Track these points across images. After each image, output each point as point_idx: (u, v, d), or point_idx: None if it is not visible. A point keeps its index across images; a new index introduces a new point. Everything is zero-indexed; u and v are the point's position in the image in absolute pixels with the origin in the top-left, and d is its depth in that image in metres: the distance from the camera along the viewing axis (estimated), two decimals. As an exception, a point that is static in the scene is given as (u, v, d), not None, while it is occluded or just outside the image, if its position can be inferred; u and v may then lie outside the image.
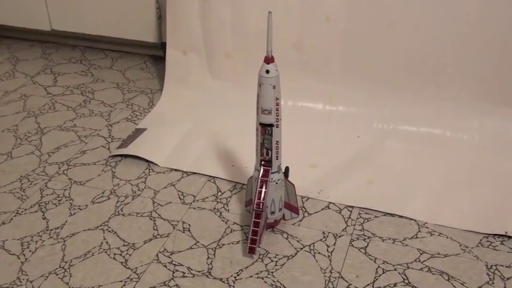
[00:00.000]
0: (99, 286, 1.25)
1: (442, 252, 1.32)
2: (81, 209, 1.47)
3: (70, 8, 2.15)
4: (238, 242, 1.36)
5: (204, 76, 1.91)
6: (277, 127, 1.27)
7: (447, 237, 1.36)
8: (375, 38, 1.70)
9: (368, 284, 1.24)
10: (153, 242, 1.36)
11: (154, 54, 2.21)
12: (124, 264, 1.31)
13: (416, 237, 1.37)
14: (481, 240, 1.36)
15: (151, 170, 1.61)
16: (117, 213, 1.46)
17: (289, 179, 1.37)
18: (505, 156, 1.59)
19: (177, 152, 1.66)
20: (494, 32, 1.61)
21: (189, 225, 1.41)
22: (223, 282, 1.25)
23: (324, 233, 1.38)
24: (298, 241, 1.36)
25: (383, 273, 1.27)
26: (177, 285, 1.25)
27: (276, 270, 1.28)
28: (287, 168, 1.38)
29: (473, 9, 1.60)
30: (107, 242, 1.37)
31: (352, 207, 1.46)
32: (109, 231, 1.40)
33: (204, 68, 1.91)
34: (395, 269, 1.28)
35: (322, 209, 1.46)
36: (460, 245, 1.34)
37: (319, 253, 1.32)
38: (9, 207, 1.48)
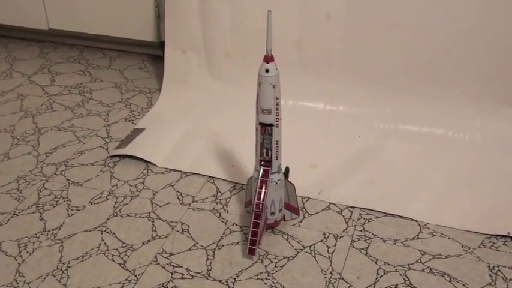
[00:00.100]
0: (97, 288, 1.26)
1: (444, 253, 1.32)
2: (78, 210, 1.47)
3: (68, 6, 2.15)
4: (237, 243, 1.36)
5: (203, 75, 1.91)
6: (277, 127, 1.27)
7: (449, 238, 1.36)
8: (376, 37, 1.71)
9: (369, 285, 1.24)
10: (152, 243, 1.37)
11: (153, 54, 2.22)
12: (122, 265, 1.31)
13: (418, 238, 1.37)
14: (483, 241, 1.36)
15: (150, 171, 1.61)
16: (115, 214, 1.46)
17: (289, 179, 1.37)
18: (507, 156, 1.59)
19: (176, 152, 1.66)
20: (496, 31, 1.61)
21: (188, 226, 1.42)
22: (222, 283, 1.25)
23: (324, 233, 1.39)
24: (298, 242, 1.36)
25: (384, 274, 1.27)
26: (176, 286, 1.25)
27: (276, 271, 1.28)
28: (287, 169, 1.38)
29: (474, 8, 1.61)
30: (105, 243, 1.37)
31: (353, 207, 1.46)
32: (107, 232, 1.40)
33: (203, 68, 1.91)
34: (396, 270, 1.28)
35: (323, 210, 1.46)
36: (462, 246, 1.34)
37: (319, 254, 1.33)
38: (6, 208, 1.48)
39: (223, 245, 1.36)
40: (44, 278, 1.28)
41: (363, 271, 1.28)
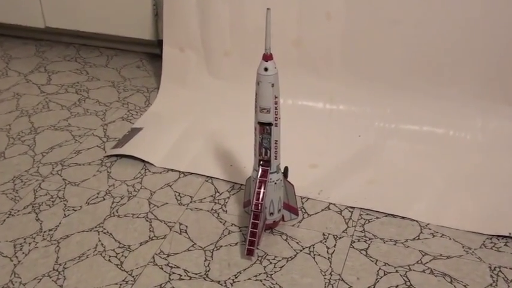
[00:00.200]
0: (94, 289, 1.26)
1: (445, 253, 1.32)
2: (75, 210, 1.47)
3: (64, 4, 2.15)
4: (236, 244, 1.36)
5: (201, 74, 1.91)
6: (276, 126, 1.27)
7: (450, 239, 1.37)
8: (376, 36, 1.71)
9: (369, 287, 1.24)
10: (149, 244, 1.37)
11: (150, 52, 2.22)
12: (119, 266, 1.31)
13: (419, 238, 1.37)
14: (484, 241, 1.36)
15: (147, 170, 1.61)
16: (112, 215, 1.46)
17: (289, 179, 1.38)
18: (508, 155, 1.59)
19: (173, 151, 1.67)
20: (497, 30, 1.61)
21: (186, 226, 1.42)
22: (220, 285, 1.25)
23: (324, 234, 1.39)
24: (297, 243, 1.36)
25: (384, 275, 1.27)
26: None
27: (275, 272, 1.28)
28: (286, 168, 1.38)
29: (475, 7, 1.61)
30: (102, 244, 1.37)
31: (353, 208, 1.46)
32: (104, 232, 1.40)
33: (201, 66, 1.91)
34: (396, 271, 1.28)
35: (322, 210, 1.46)
36: (463, 247, 1.34)
37: (319, 255, 1.33)
38: (1, 208, 1.48)
39: (221, 246, 1.36)
40: (40, 279, 1.28)
41: (363, 272, 1.28)
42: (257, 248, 1.33)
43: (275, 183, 1.32)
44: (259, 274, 1.28)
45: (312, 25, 1.75)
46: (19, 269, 1.31)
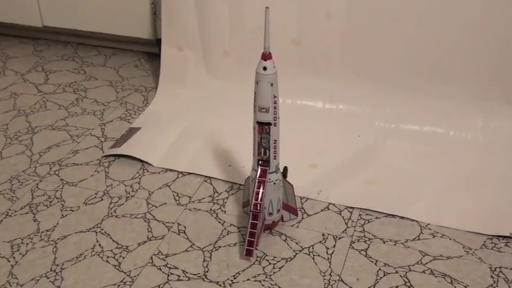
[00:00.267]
0: (92, 290, 1.26)
1: (445, 254, 1.33)
2: (73, 211, 1.48)
3: (62, 3, 2.15)
4: (235, 244, 1.36)
5: (200, 74, 1.91)
6: (275, 126, 1.27)
7: (450, 239, 1.37)
8: (376, 34, 1.71)
9: (369, 287, 1.25)
10: (148, 245, 1.37)
11: (149, 51, 2.22)
12: (117, 267, 1.31)
13: (419, 238, 1.37)
14: (484, 241, 1.36)
15: (145, 170, 1.61)
16: (110, 215, 1.46)
17: (288, 179, 1.38)
18: (509, 155, 1.59)
19: (172, 151, 1.67)
20: (499, 29, 1.61)
21: (185, 227, 1.42)
22: (219, 285, 1.26)
23: (323, 234, 1.39)
24: (296, 243, 1.36)
25: (384, 276, 1.27)
26: (172, 288, 1.26)
27: (274, 273, 1.29)
28: (285, 168, 1.38)
29: (477, 5, 1.61)
30: (100, 245, 1.37)
31: (353, 208, 1.46)
32: (102, 233, 1.40)
33: (200, 66, 1.91)
34: (396, 272, 1.28)
35: (322, 210, 1.46)
36: (464, 247, 1.34)
37: (318, 255, 1.33)
38: (-1, 208, 1.49)
39: (220, 246, 1.36)
40: (38, 280, 1.28)
41: (363, 272, 1.28)
42: (256, 249, 1.33)
43: (274, 183, 1.32)
44: (258, 275, 1.28)
45: (311, 24, 1.75)
46: (16, 269, 1.31)
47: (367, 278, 1.27)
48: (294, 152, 1.54)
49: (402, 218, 1.43)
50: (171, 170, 1.61)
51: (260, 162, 1.31)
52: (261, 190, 1.30)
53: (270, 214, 1.36)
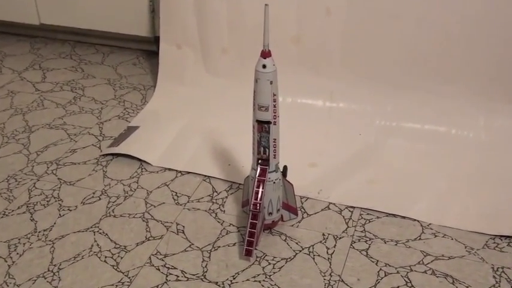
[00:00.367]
0: (90, 290, 1.26)
1: (447, 254, 1.33)
2: (70, 210, 1.47)
3: (59, 1, 2.15)
4: (234, 244, 1.36)
5: (199, 72, 1.91)
6: (274, 124, 1.27)
7: (452, 239, 1.37)
8: (377, 32, 1.71)
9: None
10: (146, 245, 1.37)
11: (147, 49, 2.22)
12: (115, 267, 1.31)
13: (420, 238, 1.37)
14: (487, 241, 1.36)
15: (144, 170, 1.61)
16: (108, 215, 1.46)
17: (288, 178, 1.38)
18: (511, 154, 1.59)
19: (170, 150, 1.67)
20: (501, 27, 1.61)
21: (183, 226, 1.42)
22: (218, 286, 1.26)
23: (323, 234, 1.39)
24: (296, 243, 1.36)
25: (385, 276, 1.27)
26: (170, 289, 1.26)
27: (274, 273, 1.29)
28: (285, 167, 1.38)
29: (478, 3, 1.61)
30: (98, 245, 1.37)
31: (353, 207, 1.46)
32: (100, 233, 1.40)
33: (199, 63, 1.91)
34: (397, 272, 1.28)
35: (322, 210, 1.46)
36: (465, 247, 1.34)
37: (318, 255, 1.33)
38: (-5, 208, 1.49)
39: (219, 246, 1.36)
40: (35, 280, 1.28)
41: (364, 273, 1.28)
42: (256, 249, 1.33)
43: (274, 182, 1.32)
44: (258, 275, 1.28)
45: (311, 21, 1.75)
46: (13, 269, 1.31)
47: (368, 279, 1.27)
48: (294, 151, 1.54)
49: (403, 217, 1.43)
50: (169, 169, 1.61)
51: (260, 161, 1.31)
52: (260, 189, 1.30)
53: (270, 214, 1.36)
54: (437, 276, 1.27)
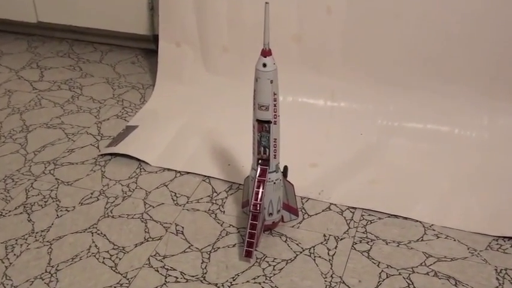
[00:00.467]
0: (88, 292, 1.26)
1: (449, 255, 1.33)
2: (68, 211, 1.47)
3: (57, -2, 2.16)
4: (234, 246, 1.36)
5: (198, 70, 1.91)
6: (275, 124, 1.27)
7: (454, 240, 1.37)
8: (378, 30, 1.71)
9: (371, 289, 1.25)
10: (145, 246, 1.37)
11: (146, 48, 2.21)
12: (114, 268, 1.31)
13: (422, 240, 1.37)
14: (490, 243, 1.36)
15: (142, 170, 1.61)
16: (106, 215, 1.46)
17: (288, 178, 1.38)
18: (515, 154, 1.60)
19: (170, 150, 1.67)
20: (502, 25, 1.61)
21: (183, 227, 1.42)
22: (218, 287, 1.25)
23: (324, 235, 1.39)
24: (297, 244, 1.36)
25: (387, 277, 1.27)
26: (169, 290, 1.26)
27: (274, 274, 1.28)
28: (286, 168, 1.38)
29: (480, 1, 1.60)
30: (96, 246, 1.37)
31: (355, 208, 1.46)
32: (98, 234, 1.40)
33: (198, 62, 1.91)
34: (399, 274, 1.28)
35: (323, 211, 1.46)
36: (468, 248, 1.34)
37: (319, 257, 1.33)
38: (-8, 208, 1.49)
39: (219, 247, 1.36)
40: (32, 282, 1.28)
41: (365, 274, 1.28)
42: (256, 250, 1.33)
43: (274, 182, 1.32)
44: (258, 276, 1.28)
45: (312, 20, 1.74)
46: (10, 271, 1.30)
47: (370, 280, 1.27)
48: (294, 150, 1.53)
49: (405, 218, 1.43)
50: (168, 169, 1.61)
51: (260, 161, 1.31)
52: (260, 190, 1.30)
53: (270, 214, 1.36)
54: (439, 278, 1.27)
